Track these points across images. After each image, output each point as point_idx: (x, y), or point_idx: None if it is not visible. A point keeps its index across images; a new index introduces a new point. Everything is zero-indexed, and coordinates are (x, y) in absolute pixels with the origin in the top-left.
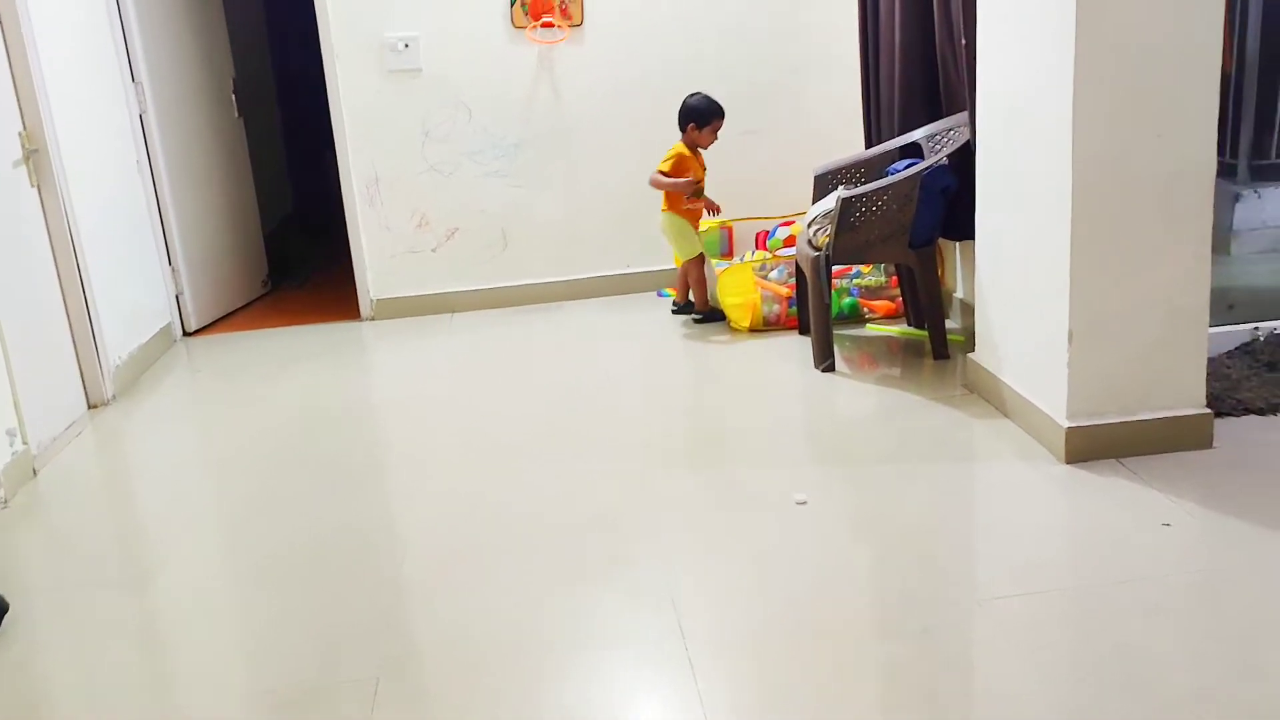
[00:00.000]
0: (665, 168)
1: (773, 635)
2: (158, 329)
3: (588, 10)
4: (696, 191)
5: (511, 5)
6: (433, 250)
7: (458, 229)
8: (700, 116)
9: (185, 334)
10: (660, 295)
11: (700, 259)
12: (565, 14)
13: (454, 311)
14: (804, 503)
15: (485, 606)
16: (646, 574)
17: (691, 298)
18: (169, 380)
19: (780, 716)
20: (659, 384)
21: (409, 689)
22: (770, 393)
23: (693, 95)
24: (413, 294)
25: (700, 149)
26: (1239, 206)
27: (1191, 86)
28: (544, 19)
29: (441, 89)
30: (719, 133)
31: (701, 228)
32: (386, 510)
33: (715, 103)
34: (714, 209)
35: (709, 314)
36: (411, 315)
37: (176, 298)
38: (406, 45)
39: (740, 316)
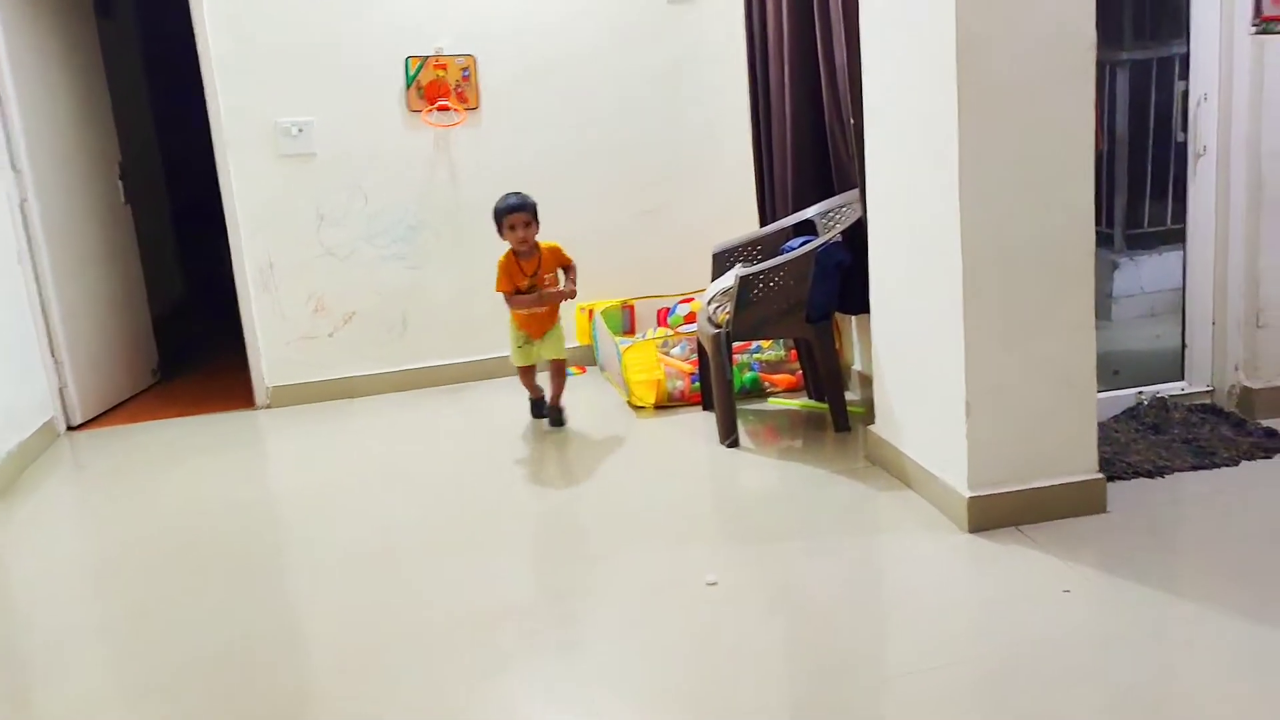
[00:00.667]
0: (497, 287)
1: (689, 717)
2: (39, 425)
3: (484, 94)
4: (537, 299)
5: (407, 89)
6: (330, 335)
7: (355, 312)
8: (496, 220)
9: (70, 428)
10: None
11: (522, 370)
12: (461, 97)
13: (354, 397)
14: (715, 584)
15: (397, 711)
16: (560, 664)
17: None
18: (52, 479)
19: None
20: (565, 464)
21: None
22: (677, 470)
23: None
24: (310, 380)
25: (518, 253)
26: (1117, 274)
27: (1068, 163)
28: (440, 102)
29: (337, 172)
30: (523, 227)
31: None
32: (288, 612)
33: (505, 201)
34: (562, 296)
35: (543, 406)
36: (309, 402)
37: (60, 391)
38: (300, 130)
39: (644, 394)
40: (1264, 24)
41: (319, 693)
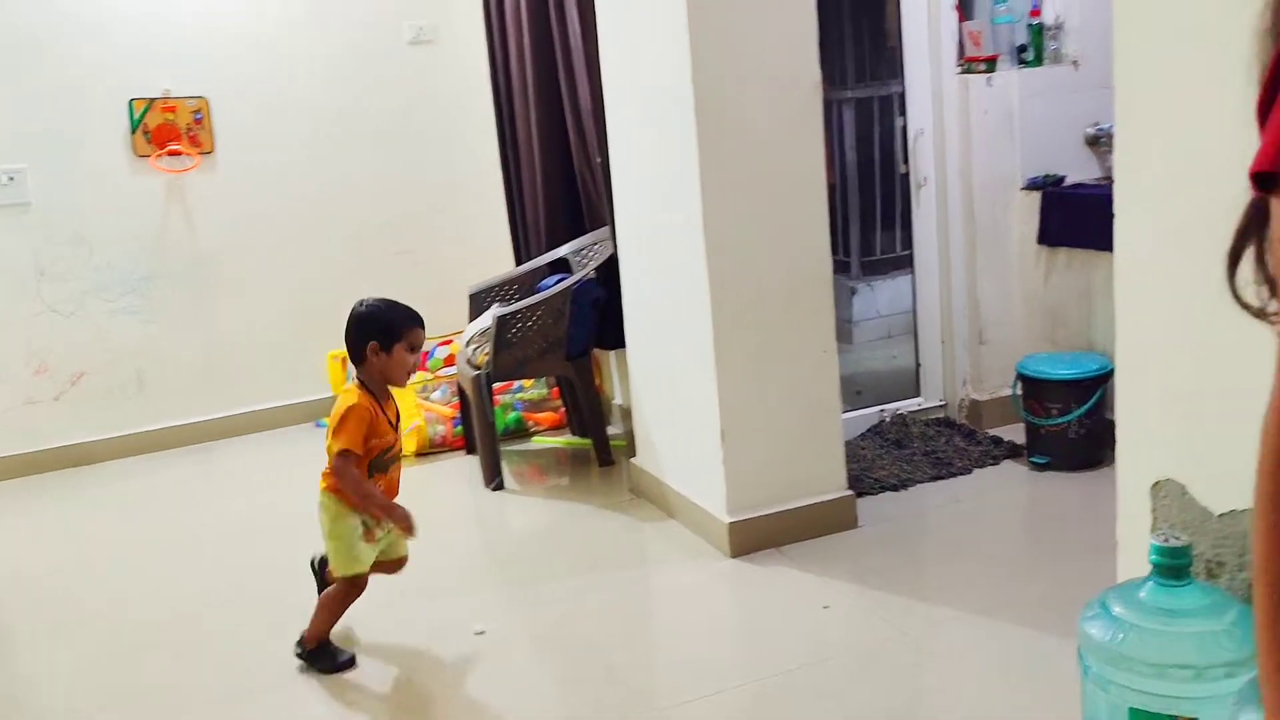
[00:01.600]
0: (337, 443)
1: None
2: None
3: (219, 136)
4: (390, 508)
5: (133, 132)
6: (55, 399)
7: (84, 373)
8: (384, 330)
9: None
10: (319, 426)
11: (353, 584)
12: (194, 141)
13: (83, 464)
14: (483, 633)
15: None
16: None
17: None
18: None
19: None
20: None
21: None
22: (441, 517)
23: (361, 304)
24: (33, 449)
25: (392, 385)
26: (855, 299)
27: (804, 198)
28: (170, 146)
29: (57, 223)
30: (420, 349)
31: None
32: (13, 711)
33: (397, 308)
34: (406, 528)
35: (321, 654)
36: (33, 473)
37: None
38: (11, 178)
39: (406, 441)
40: (967, 64)
41: None
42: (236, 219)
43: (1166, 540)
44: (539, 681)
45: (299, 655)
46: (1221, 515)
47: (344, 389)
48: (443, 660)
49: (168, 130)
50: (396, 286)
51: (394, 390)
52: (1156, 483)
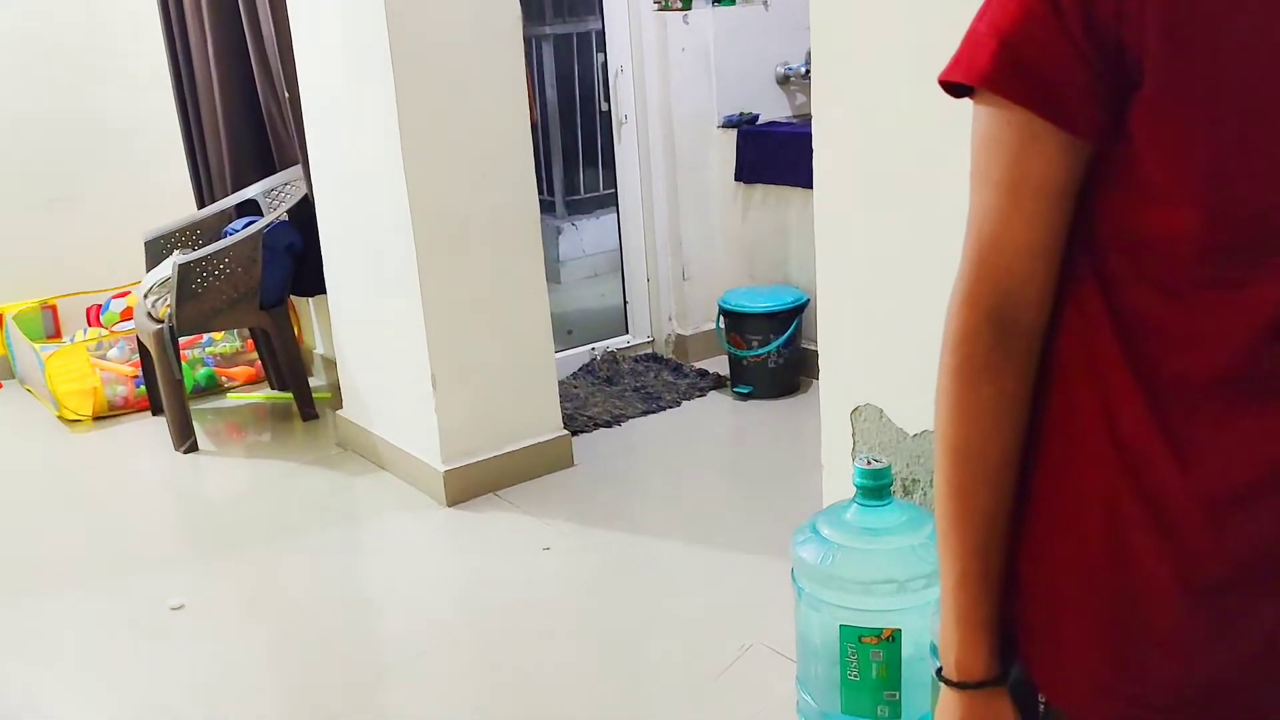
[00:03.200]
0: None
1: None
2: None
3: None
4: None
5: None
6: None
7: None
8: None
9: None
10: None
11: None
12: None
13: None
14: (181, 607)
15: None
16: None
17: None
18: None
19: None
20: None
21: None
22: (127, 487)
23: None
24: None
25: None
26: (562, 239)
27: (506, 135)
28: None
29: None
30: None
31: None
32: None
33: None
34: None
35: None
36: None
37: None
38: None
39: (79, 405)
40: (664, 2)
41: None
42: None
43: (869, 463)
44: (246, 654)
45: None
46: (915, 435)
47: None
48: (134, 640)
49: None
50: (56, 237)
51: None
52: (856, 408)
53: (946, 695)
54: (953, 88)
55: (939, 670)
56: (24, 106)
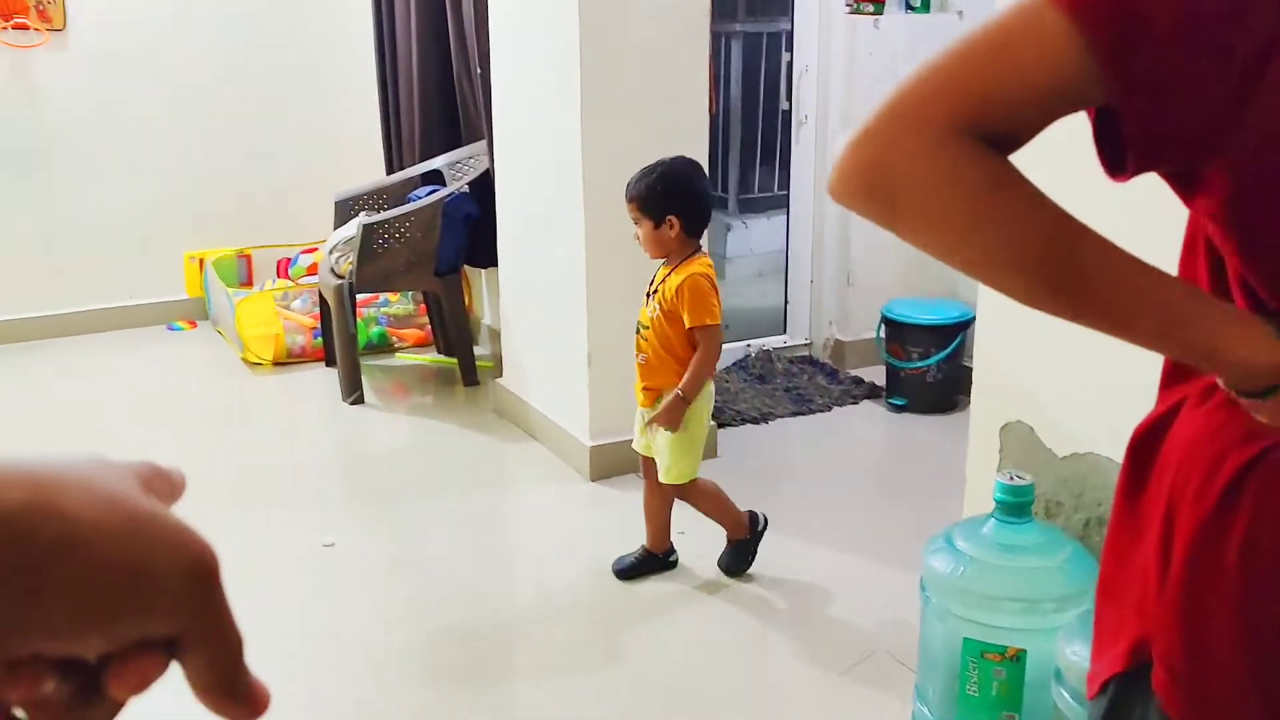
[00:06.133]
0: (707, 317)
1: (302, 685)
2: None
3: (71, 13)
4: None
5: None
6: None
7: None
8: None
9: None
10: (171, 329)
11: (695, 487)
12: (43, 16)
13: None
14: (332, 545)
15: None
16: None
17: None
18: None
19: None
20: (171, 428)
21: None
22: (297, 430)
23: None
24: None
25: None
26: (730, 236)
27: (684, 122)
28: (15, 19)
29: None
30: (637, 223)
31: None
32: None
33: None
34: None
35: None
36: None
37: None
38: None
39: (262, 349)
40: (856, 5)
41: None
42: (88, 104)
43: (1011, 479)
44: (387, 597)
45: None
46: (1064, 458)
47: (684, 262)
48: (286, 569)
49: (14, 2)
50: (254, 190)
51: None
52: (1006, 424)
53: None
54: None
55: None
56: (235, 64)
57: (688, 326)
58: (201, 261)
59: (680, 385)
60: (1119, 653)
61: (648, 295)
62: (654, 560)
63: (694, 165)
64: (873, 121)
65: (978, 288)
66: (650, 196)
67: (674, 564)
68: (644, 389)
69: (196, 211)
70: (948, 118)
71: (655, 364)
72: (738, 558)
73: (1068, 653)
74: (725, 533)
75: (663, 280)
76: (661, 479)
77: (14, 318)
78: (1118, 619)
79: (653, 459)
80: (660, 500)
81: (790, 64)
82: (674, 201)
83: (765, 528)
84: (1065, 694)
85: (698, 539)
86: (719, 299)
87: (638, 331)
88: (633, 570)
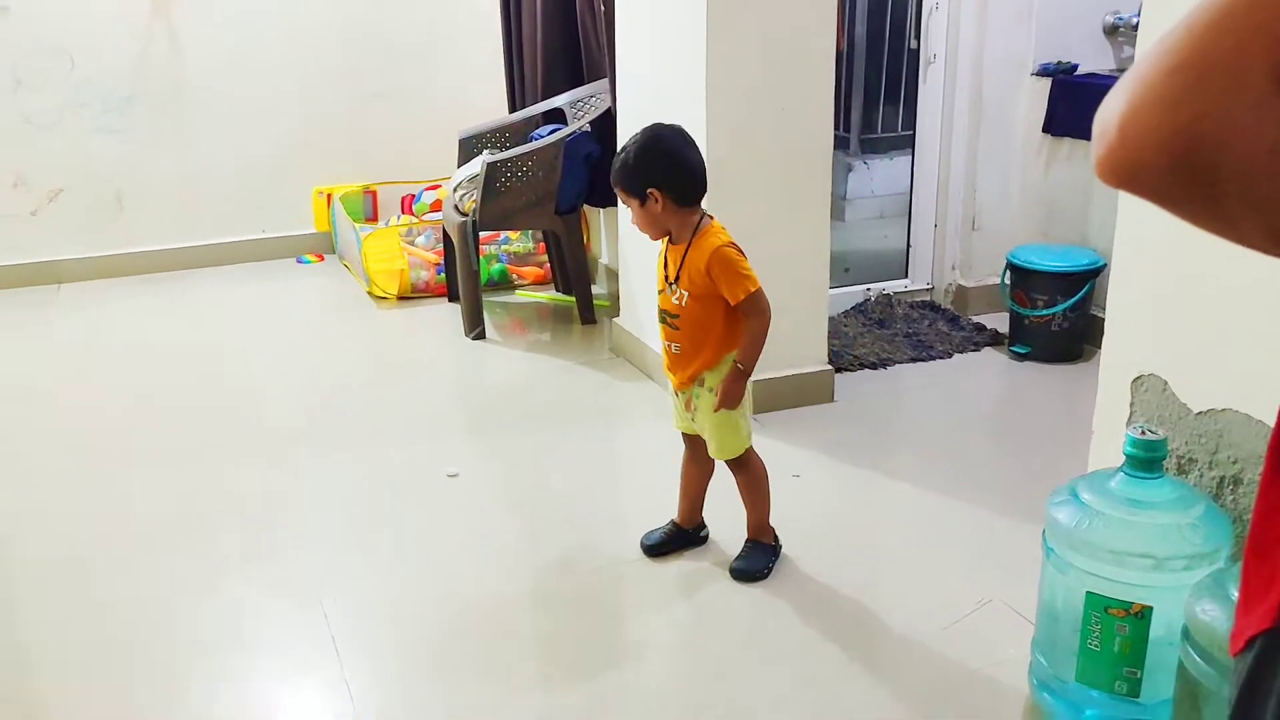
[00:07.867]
0: (749, 285)
1: (428, 611)
2: None
3: None
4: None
5: None
6: (32, 213)
7: (62, 190)
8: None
9: None
10: (300, 262)
11: (749, 459)
12: None
13: (61, 282)
14: (456, 475)
15: (118, 614)
16: (295, 562)
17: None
18: None
19: (438, 693)
20: (300, 359)
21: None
22: (420, 363)
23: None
24: (8, 263)
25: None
26: (851, 176)
27: (811, 61)
28: None
29: (35, 31)
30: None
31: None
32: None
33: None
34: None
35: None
36: (8, 287)
37: None
38: None
39: (387, 284)
40: None
41: (26, 598)
42: (224, 45)
43: (1144, 433)
44: (506, 529)
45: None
46: (1199, 414)
47: (696, 236)
48: (413, 497)
49: None
50: (378, 128)
51: (381, 232)
52: (1138, 377)
53: None
54: None
55: None
56: (362, 4)
57: (733, 305)
58: (329, 197)
59: (738, 357)
60: (1268, 608)
61: (667, 282)
62: (683, 535)
63: (668, 130)
64: (1169, 77)
65: (1111, 236)
66: (626, 175)
67: (704, 539)
68: (681, 378)
69: (324, 148)
70: (1271, 70)
71: (691, 351)
72: (754, 560)
73: (1197, 611)
74: (746, 529)
75: (680, 263)
76: (714, 455)
77: (157, 248)
78: (1268, 574)
79: (697, 435)
80: (702, 476)
81: (920, 1)
82: (651, 173)
83: (779, 553)
84: (1193, 652)
85: (810, 485)
86: (745, 257)
87: (663, 321)
88: (662, 546)
